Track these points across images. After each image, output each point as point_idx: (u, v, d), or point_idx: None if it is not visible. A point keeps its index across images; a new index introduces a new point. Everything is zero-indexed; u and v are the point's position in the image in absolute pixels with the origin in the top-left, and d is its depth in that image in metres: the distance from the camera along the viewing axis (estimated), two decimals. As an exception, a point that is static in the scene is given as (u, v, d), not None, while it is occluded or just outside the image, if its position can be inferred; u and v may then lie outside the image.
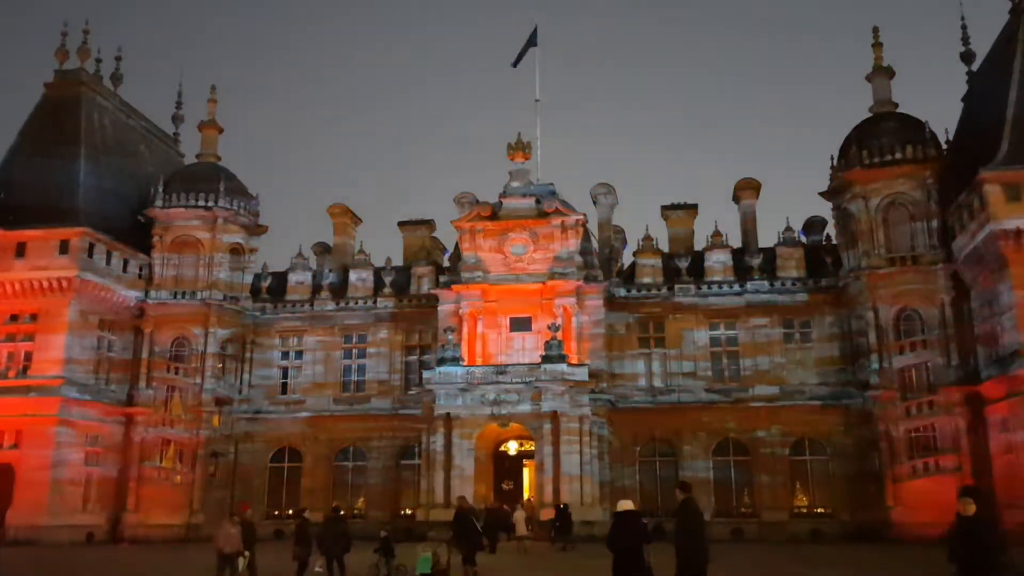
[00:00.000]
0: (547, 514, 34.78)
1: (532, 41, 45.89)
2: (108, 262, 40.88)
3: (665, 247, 44.56)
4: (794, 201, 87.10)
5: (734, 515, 39.41)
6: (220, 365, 43.27)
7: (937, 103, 47.20)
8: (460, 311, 40.96)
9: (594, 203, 45.30)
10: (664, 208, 46.09)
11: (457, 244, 43.12)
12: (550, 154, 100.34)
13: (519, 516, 31.75)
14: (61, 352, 38.48)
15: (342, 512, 21.86)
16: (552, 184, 43.46)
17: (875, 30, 42.24)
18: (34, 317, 39.08)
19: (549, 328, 38.48)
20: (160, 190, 43.99)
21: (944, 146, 39.32)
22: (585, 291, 40.41)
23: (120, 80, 48.32)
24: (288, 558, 19.58)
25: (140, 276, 42.87)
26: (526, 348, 40.55)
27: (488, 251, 41.70)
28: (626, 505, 11.96)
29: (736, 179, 46.18)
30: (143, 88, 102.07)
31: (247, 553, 17.78)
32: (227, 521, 18.00)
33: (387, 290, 44.74)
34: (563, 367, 37.38)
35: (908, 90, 65.10)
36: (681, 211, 45.76)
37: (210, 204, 43.81)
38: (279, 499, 43.09)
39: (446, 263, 45.58)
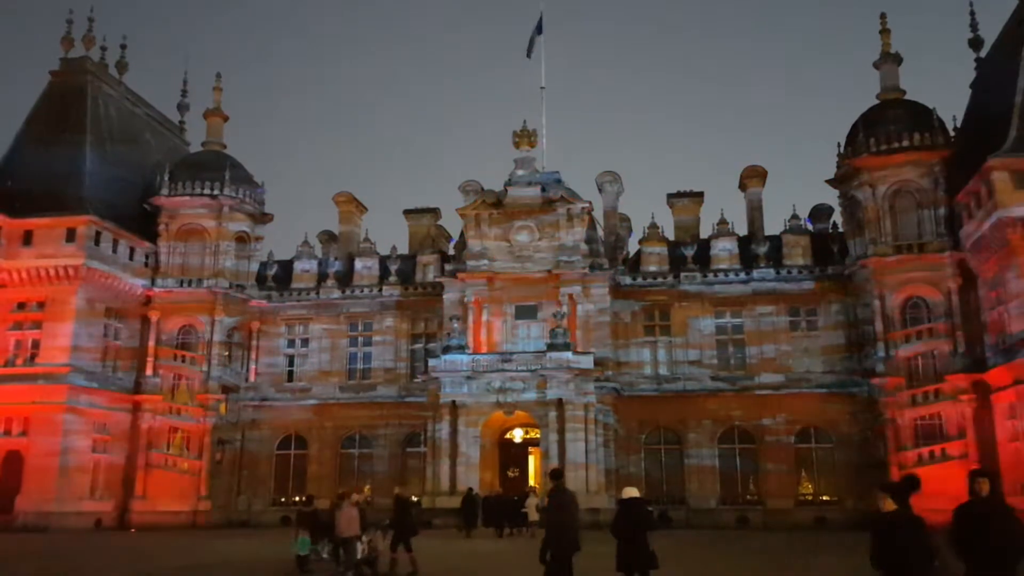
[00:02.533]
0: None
1: (539, 29, 45.73)
2: (114, 250, 41.02)
3: (671, 235, 44.51)
4: (800, 189, 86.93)
5: (739, 503, 39.57)
6: (226, 353, 43.49)
7: (945, 90, 47.02)
8: (465, 299, 41.00)
9: (600, 191, 45.21)
10: (670, 196, 46.02)
11: (462, 232, 43.11)
12: (556, 142, 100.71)
13: (531, 503, 31.77)
14: (68, 340, 38.65)
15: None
16: (558, 172, 43.39)
17: (883, 16, 42.03)
18: (41, 305, 39.23)
19: (554, 316, 38.49)
20: (166, 178, 44.08)
21: (952, 133, 39.06)
22: (590, 279, 40.39)
23: (125, 68, 48.34)
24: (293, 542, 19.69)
25: (146, 264, 43.05)
26: (531, 336, 40.62)
27: (493, 239, 41.68)
28: (631, 492, 11.97)
29: (742, 167, 46.11)
30: (148, 76, 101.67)
31: (365, 537, 17.25)
32: (347, 503, 16.83)
33: (393, 278, 44.79)
34: (568, 355, 37.39)
35: (916, 77, 64.60)
36: (687, 199, 45.69)
37: (216, 192, 43.92)
38: (286, 486, 43.30)
39: (451, 251, 45.58)
